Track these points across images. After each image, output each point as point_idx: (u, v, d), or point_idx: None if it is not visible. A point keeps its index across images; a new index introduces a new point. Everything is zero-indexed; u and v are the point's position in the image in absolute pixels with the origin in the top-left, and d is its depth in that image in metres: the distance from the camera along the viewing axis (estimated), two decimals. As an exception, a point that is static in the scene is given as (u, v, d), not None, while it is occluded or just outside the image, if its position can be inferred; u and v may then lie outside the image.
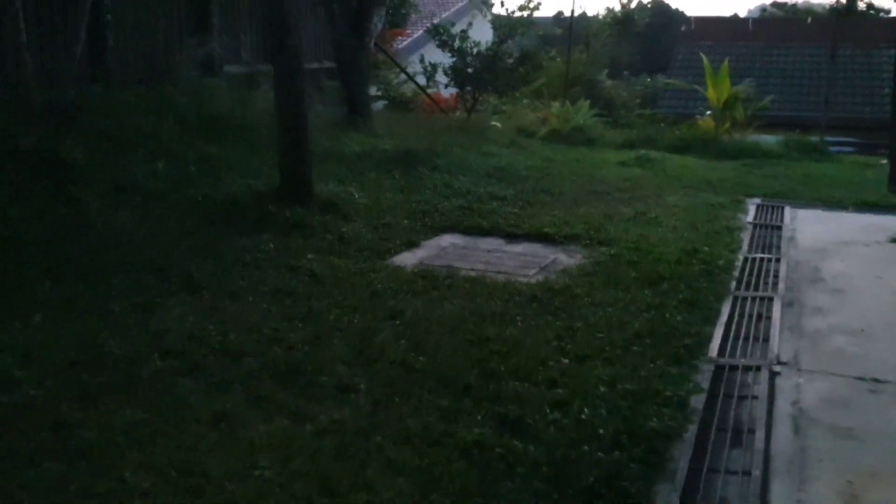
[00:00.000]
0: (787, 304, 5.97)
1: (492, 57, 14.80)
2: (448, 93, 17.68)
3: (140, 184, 7.69)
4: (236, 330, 4.76)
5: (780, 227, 8.54)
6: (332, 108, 15.52)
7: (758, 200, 9.91)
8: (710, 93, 14.60)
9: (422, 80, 16.63)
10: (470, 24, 15.11)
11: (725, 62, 14.54)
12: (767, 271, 6.86)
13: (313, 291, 5.55)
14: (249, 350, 4.52)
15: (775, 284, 6.48)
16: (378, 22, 13.39)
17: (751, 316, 5.69)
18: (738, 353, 5.03)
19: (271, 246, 6.51)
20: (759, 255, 7.31)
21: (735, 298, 6.04)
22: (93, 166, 7.66)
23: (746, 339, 5.27)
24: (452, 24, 15.90)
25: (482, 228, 7.85)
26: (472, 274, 6.31)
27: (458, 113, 19.62)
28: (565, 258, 6.99)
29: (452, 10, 24.67)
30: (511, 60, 14.97)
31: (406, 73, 16.82)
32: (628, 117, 19.28)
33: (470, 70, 14.82)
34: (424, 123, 14.36)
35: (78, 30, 8.68)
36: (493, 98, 20.64)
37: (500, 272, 6.48)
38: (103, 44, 10.15)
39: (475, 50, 14.71)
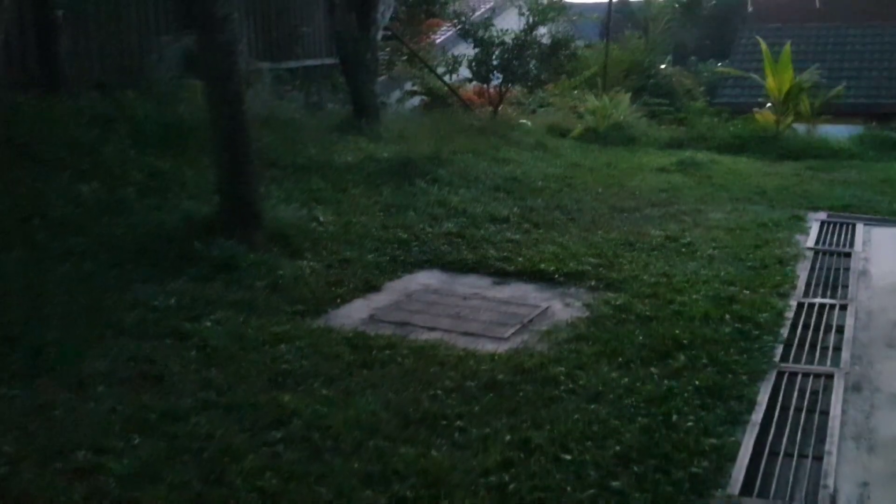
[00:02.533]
0: (853, 388, 4.28)
1: (519, 46, 13.19)
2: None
3: (52, 213, 6.39)
4: (39, 452, 3.35)
5: (849, 255, 6.77)
6: (347, 107, 14.23)
7: (823, 216, 8.12)
8: (770, 82, 12.69)
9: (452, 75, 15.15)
10: (493, 10, 13.51)
11: (787, 46, 12.60)
12: (828, 327, 5.16)
13: (190, 377, 4.11)
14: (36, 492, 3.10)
15: (837, 350, 4.79)
16: (386, 11, 11.91)
17: (799, 410, 4.04)
18: (775, 485, 3.40)
19: (172, 301, 5.09)
20: (818, 301, 5.60)
21: (779, 375, 4.38)
22: (-5, 193, 6.40)
23: (789, 454, 3.63)
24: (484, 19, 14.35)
25: (467, 263, 6.32)
26: (427, 338, 4.80)
27: (484, 109, 18.23)
28: (559, 308, 5.41)
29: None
30: (539, 50, 13.32)
31: (429, 67, 15.30)
32: (688, 107, 17.38)
33: (495, 61, 13.24)
34: (444, 123, 12.83)
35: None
36: (541, 91, 19.10)
37: (466, 333, 4.95)
38: (53, 44, 8.92)
39: (500, 39, 13.10)
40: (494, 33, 13.27)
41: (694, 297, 5.40)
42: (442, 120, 13.38)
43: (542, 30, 13.61)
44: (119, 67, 9.78)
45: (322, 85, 13.94)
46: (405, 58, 16.85)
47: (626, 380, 4.15)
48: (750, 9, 28.21)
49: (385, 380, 4.14)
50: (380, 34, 11.82)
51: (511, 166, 9.94)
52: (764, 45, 12.92)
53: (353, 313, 5.29)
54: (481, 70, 13.32)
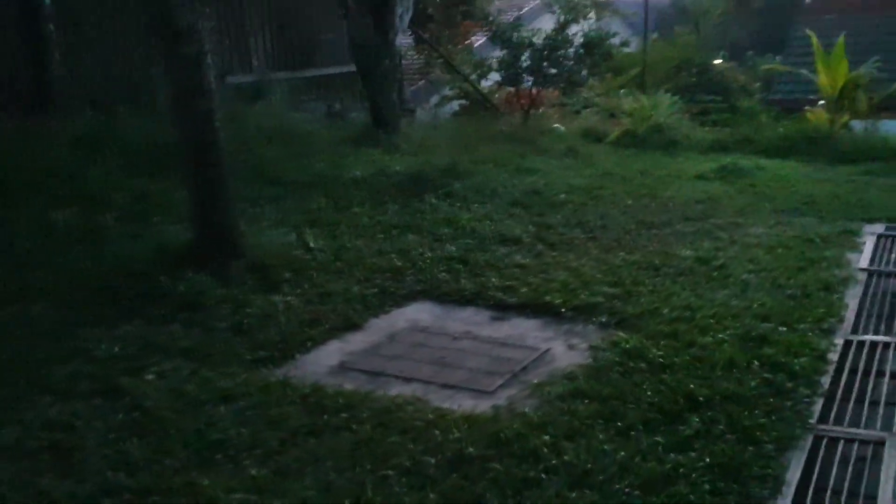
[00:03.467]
0: (910, 461, 3.47)
1: (550, 47, 12.41)
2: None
3: (18, 245, 5.89)
4: None
5: (909, 277, 5.89)
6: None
7: (880, 228, 7.20)
8: (822, 78, 11.66)
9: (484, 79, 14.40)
10: (519, 11, 12.78)
11: (840, 39, 11.55)
12: (881, 373, 4.33)
13: (104, 451, 3.49)
14: None
15: (892, 406, 3.96)
16: (405, 14, 11.26)
17: (838, 492, 3.25)
18: None
19: (116, 349, 4.50)
20: (869, 338, 4.75)
21: (816, 442, 3.59)
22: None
23: (823, 562, 2.86)
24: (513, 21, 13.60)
25: (465, 295, 5.61)
26: (398, 393, 4.11)
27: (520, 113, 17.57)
28: (561, 352, 4.67)
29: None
30: (573, 49, 12.51)
31: (459, 71, 14.59)
32: (735, 106, 16.33)
33: (525, 63, 12.49)
34: (470, 130, 12.13)
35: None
36: (585, 91, 18.30)
37: (446, 385, 4.25)
38: (44, 61, 8.49)
39: (529, 40, 12.34)
40: (524, 34, 12.49)
41: (719, 336, 4.60)
42: (468, 127, 12.69)
43: (575, 28, 12.80)
44: (115, 84, 9.32)
45: (344, 94, 13.37)
46: (442, 61, 16.22)
47: (623, 454, 3.40)
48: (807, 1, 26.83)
49: (331, 454, 3.46)
50: (398, 38, 11.18)
51: (534, 177, 9.18)
52: (814, 39, 11.89)
53: (322, 359, 4.64)
54: (510, 73, 12.57)
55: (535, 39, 12.56)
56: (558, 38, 12.56)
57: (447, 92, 16.14)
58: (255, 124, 9.75)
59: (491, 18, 12.95)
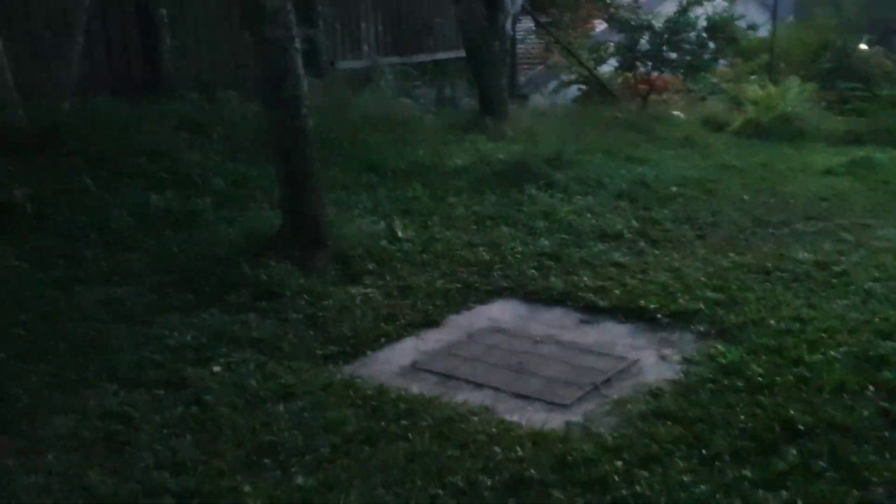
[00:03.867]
0: None
1: (670, 30, 11.77)
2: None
3: (112, 226, 5.96)
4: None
5: None
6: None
7: None
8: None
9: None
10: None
11: None
12: None
13: (156, 446, 3.39)
14: None
15: None
16: (516, -4, 10.91)
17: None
18: None
19: (188, 338, 4.43)
20: None
21: (940, 488, 3.09)
22: (53, 204, 6.06)
23: None
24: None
25: (553, 294, 5.27)
26: (466, 399, 3.85)
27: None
28: (651, 363, 4.29)
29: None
30: (695, 33, 11.83)
31: (574, 55, 14.09)
32: (873, 94, 15.10)
33: (645, 47, 11.91)
34: (583, 117, 11.69)
35: (73, 32, 7.12)
36: (712, 76, 17.53)
37: (519, 395, 3.95)
38: (156, 45, 8.65)
39: (647, 23, 11.75)
40: (642, 17, 11.90)
41: (830, 354, 4.10)
42: (581, 113, 12.25)
43: (699, 11, 12.10)
44: (223, 68, 9.42)
45: (456, 80, 13.14)
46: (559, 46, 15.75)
47: (704, 487, 3.02)
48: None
49: (383, 466, 3.24)
50: (509, 22, 10.85)
51: (644, 168, 8.69)
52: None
53: (394, 358, 4.43)
54: (627, 58, 12.01)
55: (654, 22, 11.94)
56: (680, 21, 11.89)
57: (564, 77, 15.69)
58: (362, 110, 9.67)
59: (609, 1, 12.41)
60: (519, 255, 5.93)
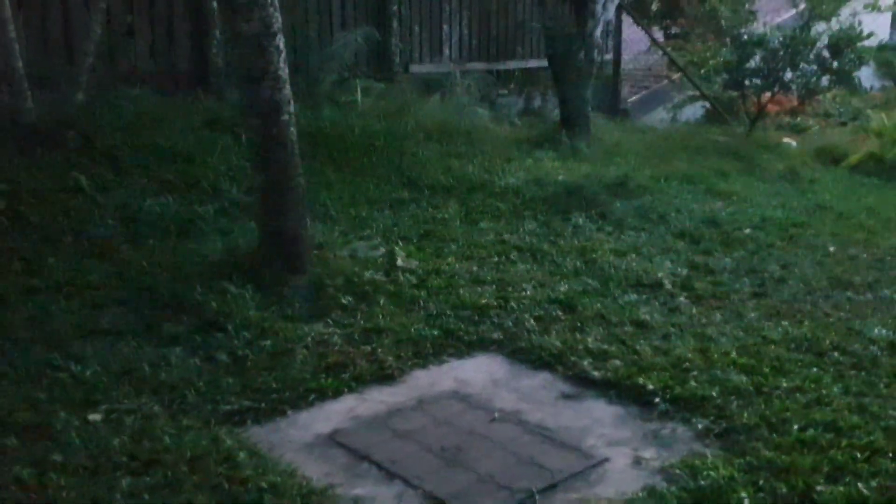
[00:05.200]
0: None
1: (787, 47, 10.44)
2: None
3: (90, 231, 5.52)
4: None
5: None
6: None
7: None
8: None
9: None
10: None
11: None
12: None
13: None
14: None
15: None
16: (609, 3, 9.88)
17: None
18: None
19: (88, 373, 3.83)
20: None
21: None
22: (35, 204, 5.67)
23: None
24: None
25: (544, 355, 4.37)
26: (364, 495, 3.06)
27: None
28: (620, 469, 3.35)
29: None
30: (815, 51, 10.44)
31: (683, 71, 12.87)
32: None
33: (754, 64, 10.63)
34: (679, 139, 10.56)
35: (89, 21, 6.74)
36: (845, 97, 16.03)
37: (430, 497, 3.12)
38: (205, 36, 8.25)
39: (760, 38, 10.47)
40: (757, 32, 10.62)
41: (858, 490, 3.04)
42: (678, 134, 11.08)
43: (823, 27, 10.70)
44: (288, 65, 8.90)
45: (548, 90, 12.22)
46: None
47: None
48: None
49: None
50: (599, 29, 9.84)
51: (724, 203, 7.56)
52: None
53: (315, 422, 3.69)
54: (734, 75, 10.75)
55: (770, 37, 10.63)
56: (800, 37, 10.52)
57: (681, 95, 14.46)
58: (423, 118, 8.97)
59: (717, 11, 11.16)
60: (526, 301, 5.05)
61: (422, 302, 4.97)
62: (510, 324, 4.73)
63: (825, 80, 10.59)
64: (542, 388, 4.10)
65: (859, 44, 10.26)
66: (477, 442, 3.54)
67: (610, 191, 7.54)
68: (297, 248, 5.03)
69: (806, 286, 5.55)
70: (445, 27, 11.03)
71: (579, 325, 4.74)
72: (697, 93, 13.41)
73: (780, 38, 10.39)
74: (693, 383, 3.96)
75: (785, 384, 3.97)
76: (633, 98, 17.31)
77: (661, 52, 14.91)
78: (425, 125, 8.84)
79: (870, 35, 10.44)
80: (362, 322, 4.62)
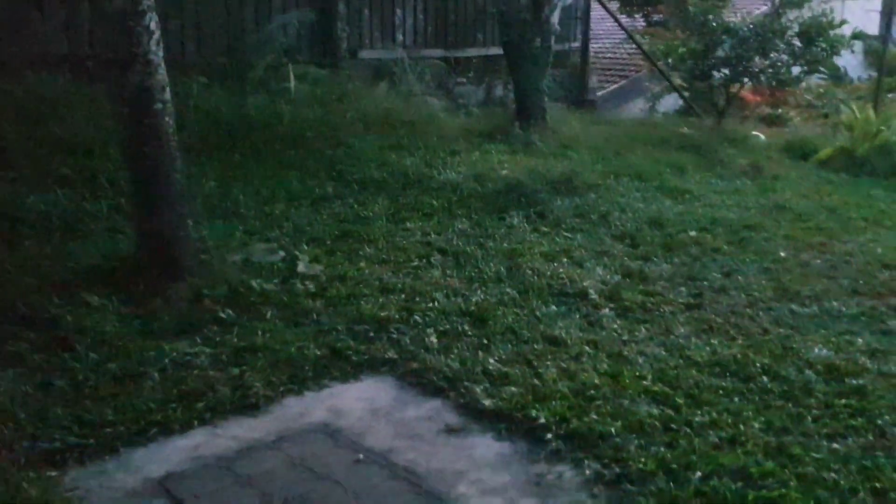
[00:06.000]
0: None
1: (757, 34, 9.92)
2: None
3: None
4: None
5: None
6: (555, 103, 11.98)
7: None
8: None
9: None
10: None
11: None
12: None
13: None
14: None
15: None
16: (567, -14, 9.36)
17: None
18: None
19: None
20: None
21: None
22: None
23: None
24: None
25: (437, 379, 3.87)
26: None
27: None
28: (485, 524, 2.86)
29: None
30: (787, 41, 9.93)
31: (651, 61, 12.34)
32: None
33: (722, 53, 10.11)
34: (641, 132, 10.05)
35: None
36: (829, 88, 15.67)
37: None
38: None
39: (726, 26, 9.94)
40: (723, 19, 10.09)
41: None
42: (645, 127, 10.58)
43: (794, 14, 10.18)
44: (210, 50, 8.35)
45: (508, 78, 11.70)
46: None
47: None
48: None
49: None
50: (556, 15, 9.31)
51: (673, 202, 7.06)
52: None
53: (150, 463, 3.17)
54: (700, 65, 10.23)
55: (738, 26, 10.11)
56: (769, 25, 10.00)
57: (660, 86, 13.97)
58: (364, 107, 8.45)
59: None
60: (433, 313, 4.55)
61: (315, 315, 4.46)
62: (408, 340, 4.22)
63: (796, 70, 10.05)
64: (427, 419, 3.60)
65: (832, 32, 9.73)
66: (329, 490, 3.04)
67: (553, 188, 7.04)
68: (176, 253, 4.52)
69: (747, 297, 5.05)
70: (399, 11, 10.48)
71: (485, 341, 4.24)
72: (688, 82, 12.89)
73: (749, 26, 9.85)
74: (594, 416, 3.47)
75: (699, 418, 3.48)
76: (611, 88, 16.80)
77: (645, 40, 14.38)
78: (367, 115, 8.33)
79: (842, 23, 9.92)
80: (236, 340, 4.10)
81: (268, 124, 7.32)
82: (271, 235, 5.56)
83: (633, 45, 15.02)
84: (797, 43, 9.82)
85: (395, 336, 4.28)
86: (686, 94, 11.63)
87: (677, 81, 12.13)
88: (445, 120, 9.13)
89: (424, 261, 5.41)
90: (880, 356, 4.22)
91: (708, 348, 4.24)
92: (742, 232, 6.31)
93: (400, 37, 10.54)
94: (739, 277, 5.37)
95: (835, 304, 4.98)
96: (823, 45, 9.75)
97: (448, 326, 4.40)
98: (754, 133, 10.43)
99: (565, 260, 5.52)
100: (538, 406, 3.54)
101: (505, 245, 5.74)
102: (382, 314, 4.47)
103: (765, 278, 5.38)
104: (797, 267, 5.63)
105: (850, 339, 4.43)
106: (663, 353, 4.18)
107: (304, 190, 6.53)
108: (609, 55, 17.49)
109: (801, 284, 5.27)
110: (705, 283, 5.25)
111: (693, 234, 6.17)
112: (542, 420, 3.43)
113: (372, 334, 4.28)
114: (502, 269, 5.28)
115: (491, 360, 4.00)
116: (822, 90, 16.01)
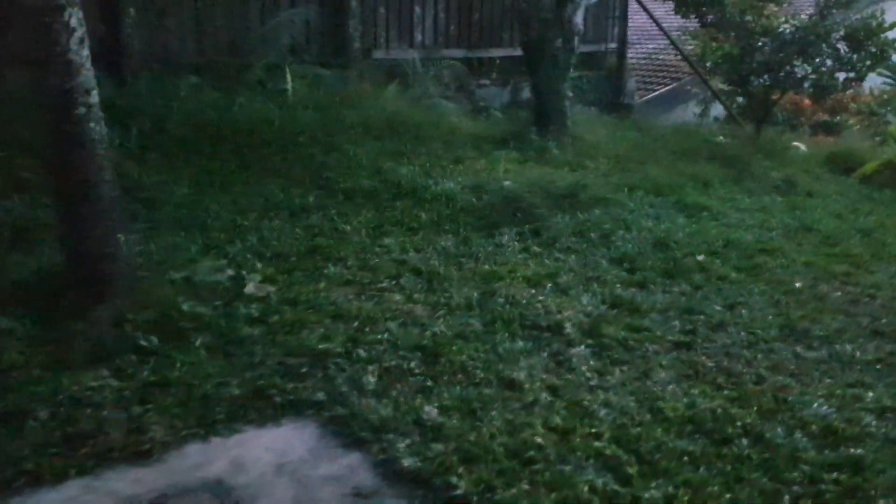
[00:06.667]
0: None
1: (801, 40, 9.19)
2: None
3: None
4: None
5: None
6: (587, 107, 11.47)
7: None
8: None
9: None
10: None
11: None
12: None
13: None
14: None
15: None
16: (592, -17, 8.77)
17: None
18: None
19: None
20: None
21: None
22: None
23: None
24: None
25: (363, 428, 3.39)
26: None
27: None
28: None
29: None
30: (831, 45, 9.17)
31: (693, 66, 11.62)
32: None
33: (759, 58, 9.41)
34: (672, 142, 9.41)
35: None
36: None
37: None
38: (117, 16, 7.39)
39: (766, 27, 9.22)
40: (764, 20, 9.36)
41: None
42: (678, 134, 9.92)
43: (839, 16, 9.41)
44: (221, 47, 8.01)
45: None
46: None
47: None
48: None
49: None
50: (580, 14, 8.73)
51: (688, 221, 6.44)
52: None
53: (1, 524, 2.78)
54: (735, 69, 9.52)
55: (782, 26, 9.38)
56: (811, 27, 9.25)
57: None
58: (368, 110, 8.02)
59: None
60: (382, 345, 4.08)
61: (250, 344, 4.03)
62: (343, 380, 3.75)
63: (842, 77, 9.28)
64: (339, 479, 3.12)
65: (882, 35, 8.94)
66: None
67: (556, 202, 6.50)
68: (104, 272, 4.12)
69: (748, 335, 4.46)
70: (417, 9, 10.02)
71: (430, 383, 3.75)
72: (729, 87, 12.15)
73: (790, 28, 9.12)
74: (525, 485, 2.96)
75: (649, 493, 2.94)
76: (659, 92, 16.09)
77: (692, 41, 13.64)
78: (370, 119, 7.89)
79: (893, 25, 9.10)
80: (149, 373, 3.68)
81: (256, 128, 6.94)
82: (233, 250, 5.14)
83: (692, 46, 14.33)
84: (843, 47, 9.04)
85: (331, 373, 3.82)
86: (727, 100, 10.90)
87: (721, 86, 11.45)
88: (457, 124, 8.62)
89: (394, 282, 4.94)
90: (890, 416, 3.61)
91: (686, 399, 3.68)
92: (756, 257, 5.67)
93: (419, 36, 10.08)
94: (743, 311, 4.77)
95: (848, 347, 4.35)
96: (873, 51, 8.95)
97: (394, 363, 3.92)
98: (795, 144, 9.69)
99: (550, 285, 4.98)
100: (463, 469, 3.04)
101: (486, 267, 5.23)
102: (322, 346, 4.02)
103: (772, 313, 4.76)
104: (812, 300, 4.99)
105: (858, 393, 3.82)
106: (632, 403, 3.63)
107: (285, 199, 6.10)
108: (661, 57, 16.78)
109: (812, 322, 4.65)
110: (703, 317, 4.66)
111: (701, 258, 5.56)
112: (462, 489, 2.92)
113: (305, 370, 3.82)
114: (475, 294, 4.77)
115: (428, 408, 3.51)
116: (885, 96, 15.02)
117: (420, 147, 7.60)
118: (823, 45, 9.07)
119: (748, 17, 9.20)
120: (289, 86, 7.57)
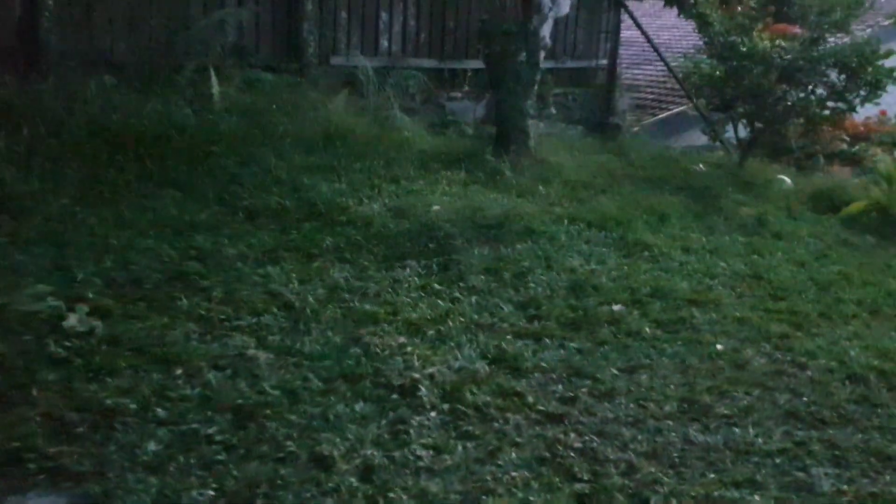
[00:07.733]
0: None
1: (791, 66, 8.46)
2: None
3: None
4: None
5: None
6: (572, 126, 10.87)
7: None
8: None
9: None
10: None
11: None
12: None
13: None
14: None
15: None
16: (561, -3, 8.11)
17: None
18: None
19: None
20: None
21: None
22: None
23: None
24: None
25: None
26: None
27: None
28: None
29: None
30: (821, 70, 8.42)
31: (682, 87, 10.90)
32: None
33: (745, 82, 8.69)
34: (645, 167, 8.75)
35: None
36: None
37: None
38: (33, 12, 6.90)
39: (752, 50, 8.50)
40: (759, 43, 8.62)
41: None
42: (655, 160, 9.23)
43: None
44: (157, 47, 7.50)
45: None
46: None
47: None
48: None
49: None
50: (547, 27, 8.09)
51: (622, 261, 5.76)
52: None
53: None
54: (720, 93, 8.81)
55: (770, 51, 8.65)
56: (811, 53, 8.51)
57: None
58: (306, 121, 7.46)
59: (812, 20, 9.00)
60: (189, 404, 3.48)
61: (34, 393, 3.46)
62: (117, 447, 3.16)
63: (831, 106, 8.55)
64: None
65: (877, 63, 8.17)
66: None
67: (480, 232, 5.89)
68: None
69: (638, 408, 3.80)
70: (384, 15, 9.44)
71: (223, 455, 3.14)
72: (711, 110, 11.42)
73: (779, 53, 8.40)
74: None
75: None
76: (669, 113, 15.33)
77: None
78: (306, 129, 7.34)
79: (889, 53, 8.33)
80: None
81: (165, 135, 6.40)
82: (83, 273, 4.58)
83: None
84: (834, 76, 8.30)
85: (113, 435, 3.23)
86: (711, 123, 10.16)
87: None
88: (410, 140, 8.02)
89: (254, 320, 4.35)
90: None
91: (521, 494, 3.03)
92: (683, 309, 4.99)
93: (384, 43, 9.51)
94: (643, 377, 4.10)
95: (751, 431, 3.67)
96: (868, 79, 8.19)
97: (194, 426, 3.32)
98: (780, 177, 8.92)
99: (431, 332, 4.36)
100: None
101: (366, 307, 4.61)
102: (114, 401, 3.43)
103: (677, 381, 4.09)
104: (730, 368, 4.30)
105: (740, 498, 3.14)
106: (453, 496, 2.99)
107: (176, 216, 5.55)
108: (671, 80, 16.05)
109: (720, 396, 3.97)
110: (592, 382, 4.01)
111: (617, 307, 4.89)
112: None
113: (81, 430, 3.24)
114: (337, 341, 4.17)
115: (205, 492, 2.90)
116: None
117: (356, 163, 7.02)
118: (813, 72, 8.31)
119: (735, 38, 8.47)
120: (214, 90, 7.01)
